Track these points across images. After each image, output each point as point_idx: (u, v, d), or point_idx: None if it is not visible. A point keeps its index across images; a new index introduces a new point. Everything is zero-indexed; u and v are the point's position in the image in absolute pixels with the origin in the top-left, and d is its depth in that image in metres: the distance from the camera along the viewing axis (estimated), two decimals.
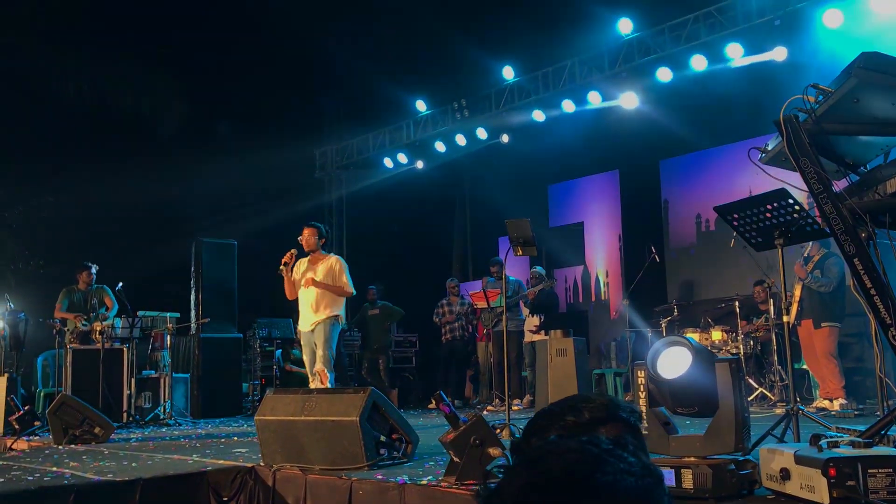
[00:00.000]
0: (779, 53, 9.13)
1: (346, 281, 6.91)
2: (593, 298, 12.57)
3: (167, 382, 9.12)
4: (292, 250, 6.91)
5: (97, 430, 6.66)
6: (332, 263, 6.93)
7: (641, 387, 3.31)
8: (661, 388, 3.12)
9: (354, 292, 7.09)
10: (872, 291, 3.36)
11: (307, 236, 7.00)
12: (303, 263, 7.03)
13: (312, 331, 6.82)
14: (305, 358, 6.98)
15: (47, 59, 13.00)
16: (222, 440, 6.65)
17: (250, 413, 10.11)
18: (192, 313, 10.15)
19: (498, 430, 4.93)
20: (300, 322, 6.98)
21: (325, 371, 6.57)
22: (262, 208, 13.00)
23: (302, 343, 6.98)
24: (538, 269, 10.48)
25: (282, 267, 6.86)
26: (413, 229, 13.68)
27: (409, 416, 9.31)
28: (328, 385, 6.49)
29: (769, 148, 4.03)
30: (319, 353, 6.71)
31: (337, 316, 6.85)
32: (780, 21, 8.96)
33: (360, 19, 13.13)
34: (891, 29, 8.24)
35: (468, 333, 11.09)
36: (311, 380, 6.82)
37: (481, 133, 12.17)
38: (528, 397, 9.94)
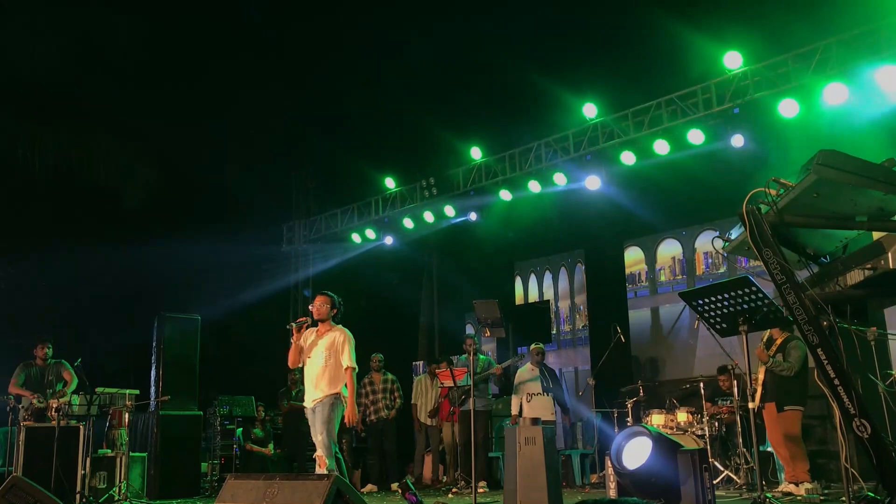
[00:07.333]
0: (737, 140, 9.45)
1: (347, 354, 6.34)
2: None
3: (124, 462, 8.84)
4: (307, 318, 6.52)
5: None
6: (336, 335, 6.44)
7: (611, 477, 3.31)
8: (625, 479, 3.12)
9: (356, 368, 6.40)
10: (836, 381, 3.42)
11: (318, 304, 6.52)
12: (311, 334, 6.53)
13: (313, 409, 6.29)
14: (314, 438, 6.33)
15: (12, 127, 12.93)
16: None
17: (208, 494, 9.82)
18: (153, 389, 9.93)
19: None
20: (305, 398, 6.48)
21: (324, 457, 6.02)
22: (228, 283, 12.89)
23: (308, 421, 6.40)
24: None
25: (292, 323, 6.45)
26: (380, 305, 13.63)
27: (371, 498, 9.14)
28: (325, 471, 5.88)
29: (733, 237, 4.14)
30: (317, 438, 6.18)
31: (338, 394, 6.25)
32: (738, 109, 9.30)
33: (330, 97, 13.34)
34: (841, 119, 8.61)
35: (392, 415, 10.62)
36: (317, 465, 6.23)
37: (449, 210, 12.30)
38: None
